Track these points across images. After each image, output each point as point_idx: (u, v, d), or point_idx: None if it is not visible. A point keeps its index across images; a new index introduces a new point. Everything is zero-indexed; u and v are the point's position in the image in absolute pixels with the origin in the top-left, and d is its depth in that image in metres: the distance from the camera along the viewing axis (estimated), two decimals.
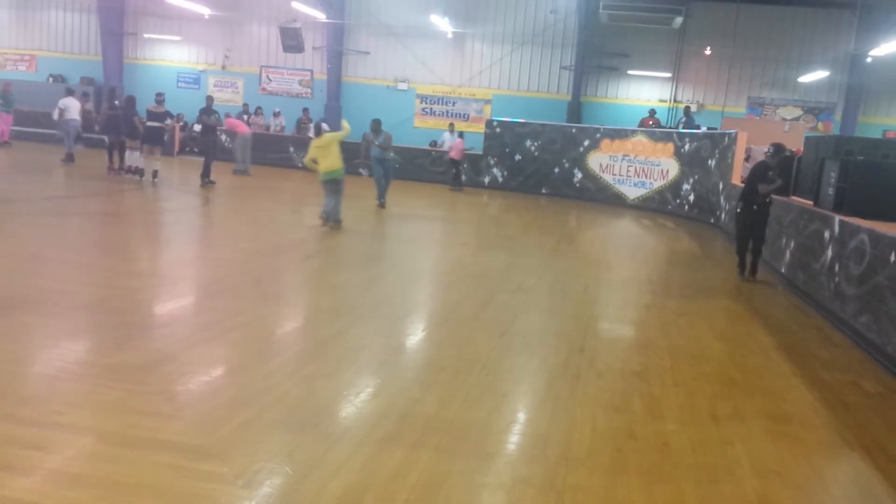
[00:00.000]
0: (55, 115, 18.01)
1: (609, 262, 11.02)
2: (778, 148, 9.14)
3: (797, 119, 22.33)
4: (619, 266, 10.58)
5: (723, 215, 14.53)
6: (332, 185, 10.84)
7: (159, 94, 15.33)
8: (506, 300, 7.35)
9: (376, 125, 13.65)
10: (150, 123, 14.78)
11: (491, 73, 24.21)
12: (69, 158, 17.04)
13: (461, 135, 20.12)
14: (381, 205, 13.80)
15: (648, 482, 3.64)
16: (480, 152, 20.51)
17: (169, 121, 15.57)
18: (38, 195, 12.33)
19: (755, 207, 9.13)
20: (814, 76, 21.78)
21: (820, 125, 22.30)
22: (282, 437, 3.77)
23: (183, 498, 3.14)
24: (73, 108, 17.60)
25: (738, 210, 9.37)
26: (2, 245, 8.30)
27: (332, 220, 10.82)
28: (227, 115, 20.07)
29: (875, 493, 3.80)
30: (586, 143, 18.91)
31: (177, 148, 22.51)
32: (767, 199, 9.19)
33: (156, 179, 14.46)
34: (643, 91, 23.57)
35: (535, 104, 23.30)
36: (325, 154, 10.75)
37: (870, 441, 4.39)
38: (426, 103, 24.86)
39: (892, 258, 5.87)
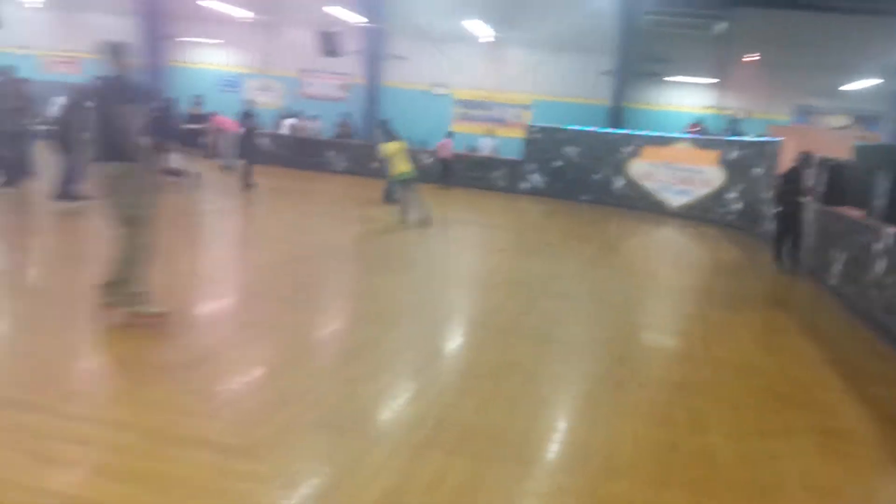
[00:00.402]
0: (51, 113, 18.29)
1: (651, 271, 10.85)
2: (806, 157, 10.69)
3: (845, 128, 21.82)
4: (661, 275, 10.42)
5: (770, 224, 14.22)
6: (411, 186, 11.92)
7: (198, 97, 15.50)
8: (546, 307, 7.27)
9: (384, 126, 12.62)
10: (190, 126, 14.95)
11: (529, 78, 24.12)
12: None
13: (450, 135, 20.20)
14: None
15: (694, 496, 3.54)
16: (520, 158, 20.39)
17: (208, 123, 15.74)
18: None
19: (784, 208, 10.59)
20: (862, 84, 21.28)
21: (868, 134, 21.76)
22: (320, 439, 3.76)
23: (222, 496, 3.14)
24: None
25: (774, 211, 11.10)
26: (45, 243, 8.45)
27: (424, 218, 11.82)
28: (215, 114, 19.85)
29: None
30: (627, 149, 18.70)
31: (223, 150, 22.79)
32: (797, 200, 10.45)
33: (197, 182, 14.64)
34: (685, 97, 23.27)
35: (575, 109, 23.12)
36: (402, 157, 11.83)
37: None
38: (464, 108, 24.86)
39: None
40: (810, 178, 10.57)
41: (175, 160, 15.18)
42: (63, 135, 10.33)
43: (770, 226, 13.00)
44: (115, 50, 5.22)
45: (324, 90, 25.67)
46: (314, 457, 3.59)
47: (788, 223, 10.47)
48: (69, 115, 10.46)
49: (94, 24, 27.13)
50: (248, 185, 14.94)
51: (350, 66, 24.94)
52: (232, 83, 26.30)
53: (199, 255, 8.89)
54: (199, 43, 26.38)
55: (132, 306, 5.25)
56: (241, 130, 16.16)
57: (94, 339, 5.07)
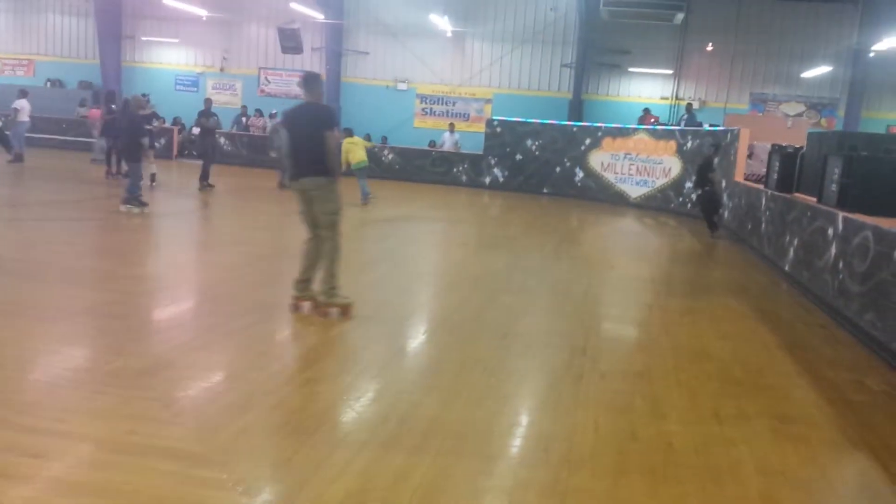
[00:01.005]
0: (10, 117, 18.02)
1: (611, 262, 10.98)
2: (716, 145, 14.11)
3: (800, 115, 22.27)
4: (621, 265, 10.55)
5: (725, 213, 14.48)
6: (362, 172, 14.08)
7: (144, 96, 15.31)
8: (507, 301, 7.32)
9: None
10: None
11: (491, 72, 24.21)
12: (18, 158, 16.97)
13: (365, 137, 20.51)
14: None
15: (652, 484, 3.61)
16: (481, 152, 20.46)
17: (156, 122, 15.55)
18: (36, 200, 12.34)
19: (706, 189, 13.56)
20: (817, 71, 21.73)
21: (823, 121, 22.25)
22: (282, 443, 3.75)
23: None
24: (25, 110, 17.65)
25: (697, 193, 14.16)
26: (2, 251, 8.30)
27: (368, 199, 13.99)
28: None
29: (881, 493, 3.76)
30: (588, 141, 18.86)
31: (175, 151, 22.53)
32: (711, 181, 13.50)
33: (154, 183, 14.43)
34: (645, 88, 23.54)
35: (536, 103, 23.28)
36: (356, 150, 13.93)
37: (875, 440, 4.35)
38: (426, 103, 24.85)
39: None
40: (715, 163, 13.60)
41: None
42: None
43: (731, 221, 13.41)
44: (313, 81, 6.18)
45: (284, 88, 25.47)
46: (276, 461, 3.58)
47: (709, 201, 13.43)
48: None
49: (48, 26, 26.65)
50: (205, 185, 14.78)
51: (310, 63, 24.77)
52: (190, 82, 25.97)
53: (155, 258, 8.78)
54: (157, 42, 25.99)
55: (331, 298, 6.03)
56: (198, 130, 15.98)
57: (48, 347, 4.98)
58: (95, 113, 19.30)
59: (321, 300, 6.05)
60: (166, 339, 5.34)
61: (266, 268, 8.26)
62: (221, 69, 25.78)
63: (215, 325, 5.73)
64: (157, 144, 15.63)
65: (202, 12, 23.49)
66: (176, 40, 25.78)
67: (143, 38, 26.00)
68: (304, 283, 6.12)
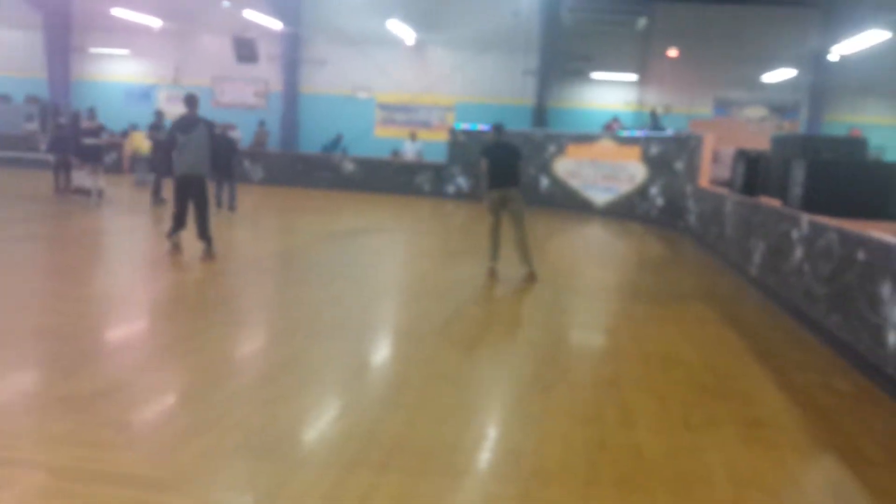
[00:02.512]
0: None
1: (578, 270, 10.97)
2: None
3: (763, 119, 22.62)
4: (588, 273, 10.54)
5: (691, 218, 14.59)
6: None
7: (91, 110, 15.02)
8: (473, 312, 7.24)
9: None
10: (85, 141, 14.40)
11: (453, 80, 24.19)
12: None
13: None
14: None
15: (622, 493, 3.55)
16: (444, 161, 20.40)
17: (105, 135, 15.24)
18: None
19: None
20: (779, 75, 22.08)
21: (786, 124, 22.61)
22: (242, 465, 3.61)
23: None
24: None
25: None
26: None
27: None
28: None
29: (850, 496, 3.75)
30: (552, 148, 18.91)
31: (126, 165, 22.12)
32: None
33: (102, 199, 14.08)
34: (609, 95, 23.72)
35: (500, 110, 23.24)
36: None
37: (844, 443, 4.34)
38: (387, 112, 24.75)
39: (861, 256, 5.86)
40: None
41: (80, 177, 14.59)
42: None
43: (696, 225, 13.39)
44: (501, 128, 9.44)
45: (239, 98, 25.17)
46: (237, 484, 3.44)
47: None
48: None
49: None
50: (157, 200, 14.46)
51: (267, 73, 24.53)
52: (142, 95, 25.52)
53: (107, 276, 8.52)
54: (107, 54, 25.52)
55: (528, 265, 8.98)
56: (152, 143, 15.66)
57: None
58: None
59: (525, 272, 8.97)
60: (119, 361, 5.15)
61: (221, 283, 8.06)
62: (174, 80, 25.37)
63: (169, 346, 5.55)
64: (103, 159, 15.24)
65: (154, 23, 23.11)
66: (127, 52, 25.33)
67: (93, 51, 25.50)
68: (496, 256, 9.16)
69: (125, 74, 25.78)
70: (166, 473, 3.44)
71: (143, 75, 25.71)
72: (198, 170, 9.09)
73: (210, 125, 9.32)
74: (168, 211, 14.01)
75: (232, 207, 14.00)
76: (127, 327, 6.20)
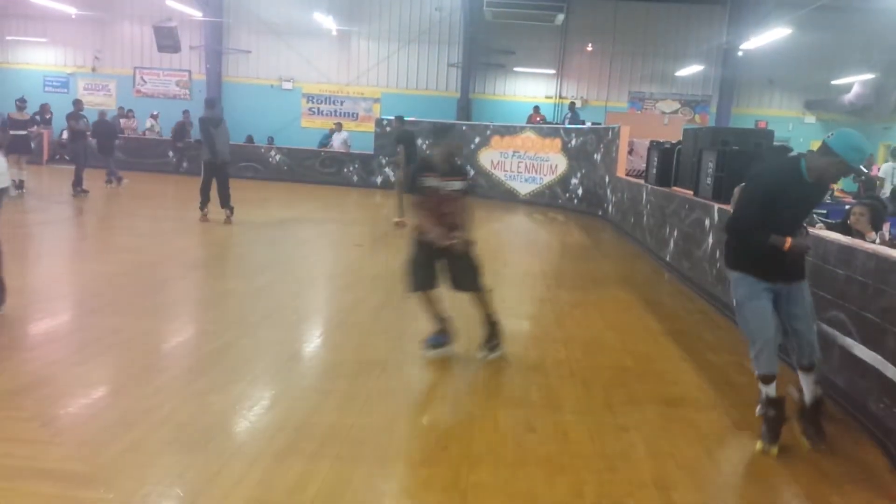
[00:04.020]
0: None
1: (503, 258, 11.12)
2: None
3: (675, 112, 23.37)
4: (513, 261, 10.72)
5: (610, 207, 15.00)
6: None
7: (21, 100, 14.48)
8: (402, 301, 7.28)
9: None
10: (13, 132, 13.88)
11: (378, 72, 24.12)
12: None
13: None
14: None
15: (549, 473, 3.68)
16: (372, 152, 20.34)
17: (35, 127, 14.71)
18: None
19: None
20: (690, 70, 22.85)
21: (697, 117, 23.44)
22: (171, 458, 3.59)
23: None
24: None
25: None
26: None
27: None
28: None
29: (763, 470, 3.97)
30: (477, 140, 19.10)
31: (45, 156, 21.26)
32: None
33: (22, 191, 13.56)
34: (530, 87, 24.08)
35: (425, 102, 23.38)
36: None
37: (757, 420, 4.57)
38: (313, 103, 24.49)
39: None
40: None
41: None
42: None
43: (615, 214, 13.79)
44: (402, 118, 10.75)
45: (161, 87, 24.48)
46: (166, 477, 3.41)
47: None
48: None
49: None
50: (78, 191, 14.01)
51: (189, 62, 23.94)
52: (60, 83, 24.55)
53: (28, 269, 8.21)
54: (24, 42, 24.40)
55: None
56: (69, 133, 15.17)
57: None
58: None
59: None
60: (42, 355, 5.00)
61: (148, 275, 7.88)
62: (93, 69, 24.49)
63: (95, 339, 5.41)
64: (30, 150, 14.72)
65: (71, 10, 22.22)
66: (44, 39, 24.31)
67: (9, 38, 24.37)
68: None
69: (43, 63, 24.71)
70: (92, 468, 3.39)
71: (61, 64, 24.69)
72: (226, 157, 11.59)
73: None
74: (89, 201, 13.64)
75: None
76: (50, 321, 6.00)
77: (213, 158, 11.38)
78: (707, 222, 8.08)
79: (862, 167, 3.96)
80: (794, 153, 5.67)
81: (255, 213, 13.16)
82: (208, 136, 11.28)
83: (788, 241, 3.94)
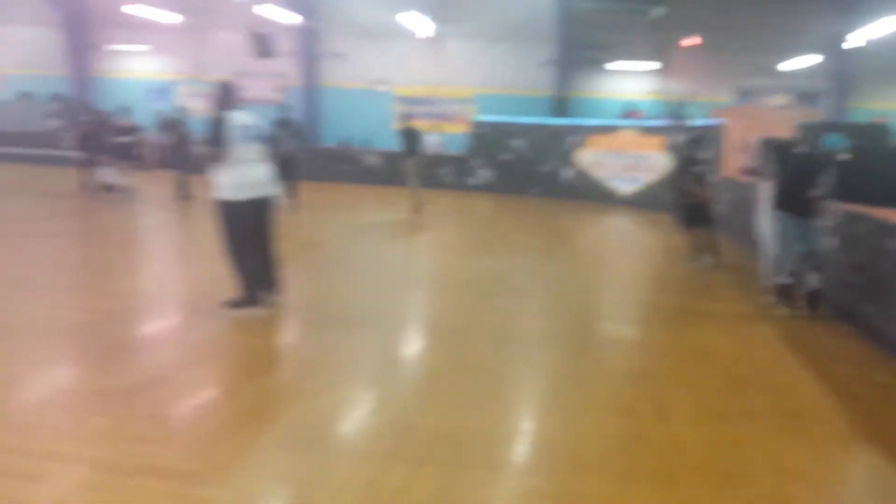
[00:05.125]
0: None
1: (606, 261, 10.90)
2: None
3: (786, 106, 22.32)
4: (615, 265, 10.47)
5: (718, 207, 14.40)
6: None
7: (125, 108, 15.20)
8: (502, 304, 7.22)
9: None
10: (119, 139, 14.59)
11: (471, 72, 24.11)
12: None
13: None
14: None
15: (662, 487, 3.53)
16: (467, 153, 20.34)
17: (138, 134, 15.42)
18: (10, 216, 12.08)
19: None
20: (801, 62, 21.77)
21: (810, 112, 22.29)
22: (280, 458, 3.64)
23: None
24: None
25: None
26: None
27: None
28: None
29: (892, 486, 3.69)
30: (574, 139, 18.80)
31: (150, 162, 22.25)
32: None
33: (130, 195, 14.20)
34: (629, 84, 23.53)
35: (519, 101, 23.21)
36: None
37: (883, 433, 4.29)
38: (406, 105, 24.70)
39: (894, 245, 5.78)
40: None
41: (108, 174, 14.73)
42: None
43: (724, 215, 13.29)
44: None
45: (258, 93, 25.23)
46: (275, 477, 3.46)
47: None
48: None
49: (16, 38, 26.28)
50: (184, 196, 14.55)
51: (286, 67, 24.56)
52: (162, 91, 25.67)
53: (138, 272, 8.59)
54: (127, 51, 25.69)
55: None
56: (172, 139, 15.74)
57: (35, 369, 4.82)
58: None
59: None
60: (155, 356, 5.19)
61: None
62: (194, 76, 25.50)
63: (204, 341, 5.58)
64: (134, 157, 15.43)
65: (173, 19, 23.21)
66: (146, 48, 25.49)
67: (113, 48, 25.67)
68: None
69: (145, 71, 25.92)
70: (204, 467, 3.47)
71: (162, 71, 25.85)
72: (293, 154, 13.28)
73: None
74: (193, 207, 14.17)
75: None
76: (160, 323, 6.24)
77: (283, 154, 12.26)
78: (828, 224, 7.62)
79: None
80: None
81: (351, 216, 13.37)
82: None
83: None
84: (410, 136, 14.45)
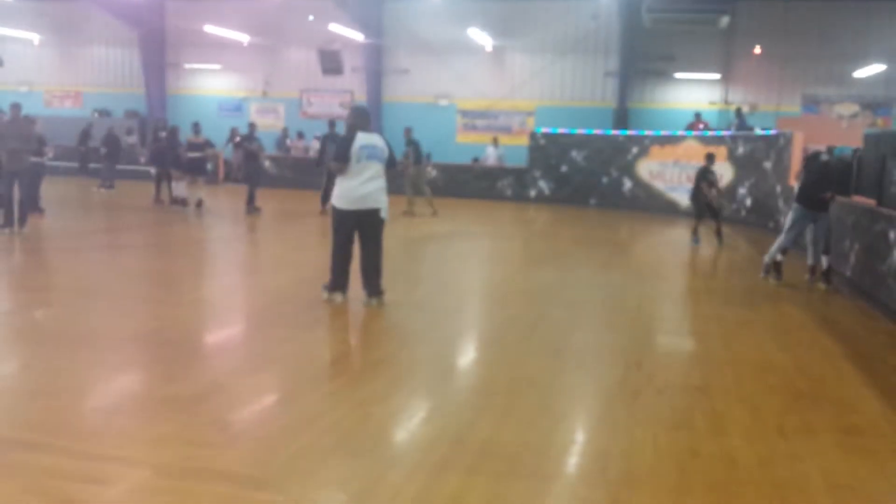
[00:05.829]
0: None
1: (664, 273, 10.77)
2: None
3: (855, 115, 21.64)
4: (674, 277, 10.35)
5: (782, 219, 14.08)
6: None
7: (196, 125, 15.74)
8: (558, 316, 7.22)
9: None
10: (190, 154, 15.14)
11: (532, 85, 24.12)
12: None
13: None
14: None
15: (716, 501, 3.49)
16: (526, 165, 20.34)
17: (210, 150, 15.93)
18: (86, 229, 12.62)
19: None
20: (869, 70, 21.09)
21: (879, 121, 21.55)
22: (337, 464, 3.73)
23: None
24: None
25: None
26: (55, 279, 8.53)
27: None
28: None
29: None
30: (634, 150, 18.62)
31: (221, 176, 22.90)
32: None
33: (201, 209, 14.71)
34: (692, 94, 23.15)
35: (580, 113, 23.08)
36: None
37: None
38: (468, 118, 24.86)
39: None
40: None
41: (179, 188, 15.29)
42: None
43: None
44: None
45: (326, 109, 25.77)
46: (331, 483, 3.55)
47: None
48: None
49: (94, 57, 27.49)
50: (251, 209, 14.95)
51: (351, 83, 25.01)
52: (234, 107, 26.45)
53: (205, 282, 8.89)
54: (200, 69, 26.56)
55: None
56: (242, 154, 16.23)
57: (103, 375, 5.06)
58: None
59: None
60: (218, 364, 5.39)
61: (311, 291, 8.26)
62: (264, 93, 26.21)
63: (265, 350, 5.76)
64: (206, 171, 16.01)
65: (244, 38, 23.95)
66: (218, 66, 26.33)
67: (187, 66, 26.61)
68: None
69: (217, 88, 26.79)
70: (264, 472, 3.58)
71: (234, 89, 26.66)
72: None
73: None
74: (261, 219, 14.57)
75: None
76: (224, 332, 6.46)
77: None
78: (892, 235, 7.41)
79: None
80: None
81: (410, 227, 13.53)
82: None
83: None
84: (416, 147, 15.72)
